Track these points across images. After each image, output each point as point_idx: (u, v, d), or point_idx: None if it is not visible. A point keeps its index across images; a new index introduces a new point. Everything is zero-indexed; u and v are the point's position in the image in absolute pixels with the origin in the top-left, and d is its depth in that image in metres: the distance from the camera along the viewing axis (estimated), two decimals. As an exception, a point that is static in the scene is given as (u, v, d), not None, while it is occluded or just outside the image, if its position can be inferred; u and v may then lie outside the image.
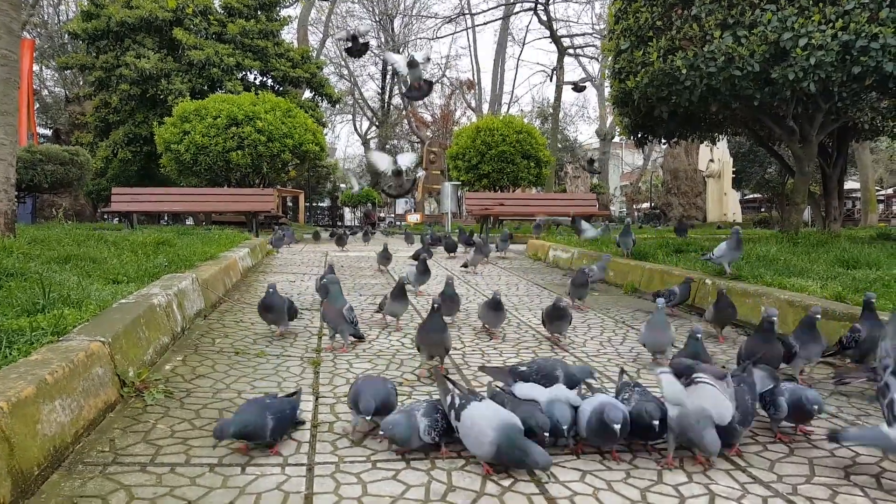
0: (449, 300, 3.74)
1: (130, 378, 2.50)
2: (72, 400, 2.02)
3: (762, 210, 27.47)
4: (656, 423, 1.97)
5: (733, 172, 21.47)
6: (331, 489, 1.79)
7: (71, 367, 2.07)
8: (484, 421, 1.84)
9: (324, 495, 1.76)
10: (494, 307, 3.63)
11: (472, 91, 36.98)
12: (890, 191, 29.80)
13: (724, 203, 21.24)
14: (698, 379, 2.05)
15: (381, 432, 1.99)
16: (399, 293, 3.85)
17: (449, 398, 2.00)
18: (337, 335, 3.39)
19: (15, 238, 5.30)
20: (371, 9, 35.60)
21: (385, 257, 6.67)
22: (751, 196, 27.59)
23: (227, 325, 3.94)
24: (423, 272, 4.98)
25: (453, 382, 2.11)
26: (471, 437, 1.87)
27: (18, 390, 1.76)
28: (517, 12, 31.19)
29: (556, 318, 3.50)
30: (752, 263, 5.31)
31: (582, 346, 3.61)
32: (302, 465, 1.94)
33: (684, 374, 2.22)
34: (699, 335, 2.69)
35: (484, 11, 48.30)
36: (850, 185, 22.00)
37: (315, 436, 2.19)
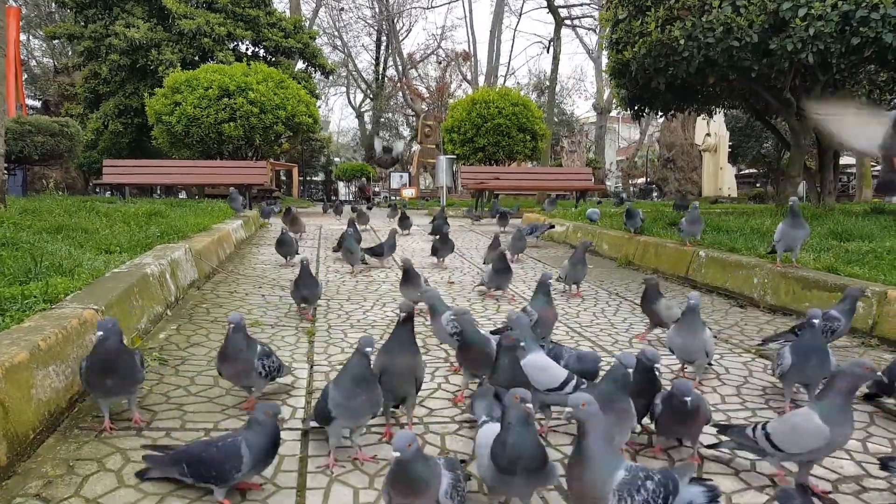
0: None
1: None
2: (66, 366, 2.03)
3: (758, 185, 27.43)
4: None
5: (729, 147, 21.36)
6: (324, 484, 1.72)
7: (64, 333, 2.06)
8: None
9: (316, 491, 1.69)
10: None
11: (468, 63, 36.50)
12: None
13: (720, 178, 21.17)
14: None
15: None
16: (501, 263, 3.76)
17: None
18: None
19: (6, 208, 5.26)
20: (365, -22, 34.95)
21: (348, 250, 4.93)
22: (746, 171, 27.52)
23: (221, 295, 3.93)
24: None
25: None
26: None
27: (12, 355, 1.76)
28: (514, -18, 30.70)
29: None
30: (748, 236, 5.34)
31: (576, 318, 3.63)
32: (294, 455, 1.94)
33: None
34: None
35: (480, -19, 47.50)
36: (845, 160, 21.96)
37: (310, 403, 2.20)
